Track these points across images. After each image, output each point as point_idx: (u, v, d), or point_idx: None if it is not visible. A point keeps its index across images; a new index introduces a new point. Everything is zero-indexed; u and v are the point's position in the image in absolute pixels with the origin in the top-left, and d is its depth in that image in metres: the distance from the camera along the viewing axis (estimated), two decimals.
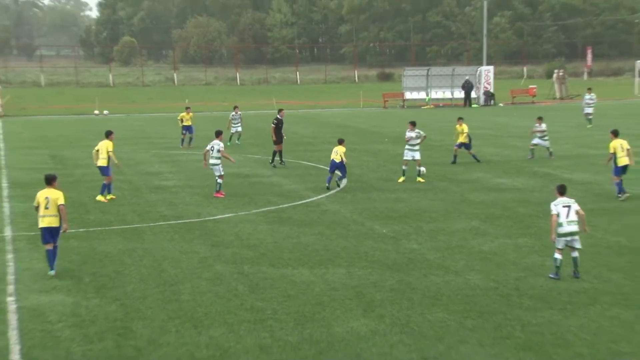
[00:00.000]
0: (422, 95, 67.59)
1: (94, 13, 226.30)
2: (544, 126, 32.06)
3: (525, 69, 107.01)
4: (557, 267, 15.44)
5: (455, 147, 31.33)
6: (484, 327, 12.79)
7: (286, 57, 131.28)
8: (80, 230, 20.03)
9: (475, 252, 17.48)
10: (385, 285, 15.15)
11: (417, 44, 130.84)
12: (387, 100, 66.40)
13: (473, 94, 65.27)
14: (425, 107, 64.88)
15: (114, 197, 24.42)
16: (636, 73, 76.27)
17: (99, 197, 24.23)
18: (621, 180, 23.52)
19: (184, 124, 38.39)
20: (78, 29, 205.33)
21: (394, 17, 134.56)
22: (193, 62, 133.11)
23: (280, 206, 23.18)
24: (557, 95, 70.76)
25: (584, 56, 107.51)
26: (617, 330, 12.60)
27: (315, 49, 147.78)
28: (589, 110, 46.01)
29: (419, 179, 27.19)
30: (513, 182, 26.78)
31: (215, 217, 21.68)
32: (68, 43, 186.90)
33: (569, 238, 15.43)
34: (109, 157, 24.08)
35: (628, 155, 23.40)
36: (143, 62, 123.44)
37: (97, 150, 24.25)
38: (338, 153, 25.86)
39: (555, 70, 79.28)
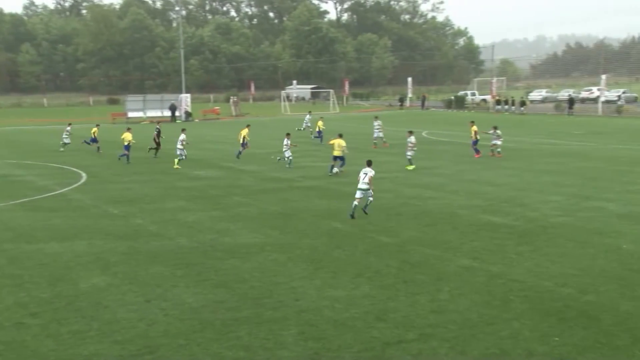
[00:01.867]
0: (140, 114, 65.54)
1: None
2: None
3: (211, 96, 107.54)
4: (353, 209, 17.06)
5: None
6: (190, 274, 12.63)
7: (35, 86, 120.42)
8: None
9: (183, 223, 17.22)
10: (118, 250, 14.40)
11: (137, 78, 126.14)
12: (115, 118, 63.33)
13: (177, 113, 64.38)
14: (144, 122, 62.71)
15: None
16: (282, 99, 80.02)
17: None
18: (332, 165, 25.42)
19: None
20: None
21: (118, 59, 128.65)
22: None
23: (34, 198, 21.17)
24: (234, 113, 71.96)
25: (249, 87, 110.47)
26: (276, 268, 13.02)
27: (58, 80, 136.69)
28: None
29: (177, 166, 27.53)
30: (206, 173, 26.77)
31: None
32: None
33: (364, 192, 17.04)
34: None
35: (340, 149, 25.09)
36: None
37: None
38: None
39: (231, 97, 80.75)
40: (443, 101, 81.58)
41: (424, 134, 43.45)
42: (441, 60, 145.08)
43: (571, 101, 61.74)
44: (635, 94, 77.18)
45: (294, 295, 11.29)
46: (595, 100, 70.55)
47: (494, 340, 9.20)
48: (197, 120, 64.54)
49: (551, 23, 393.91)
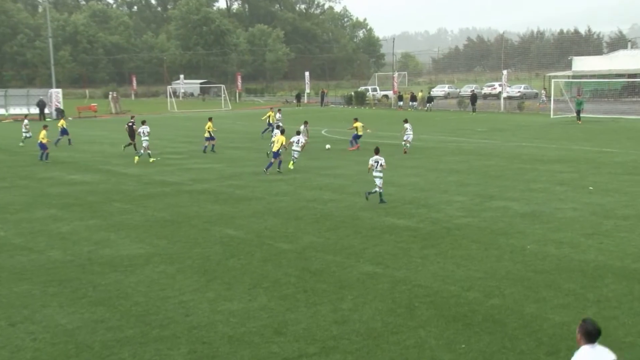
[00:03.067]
0: (2, 111, 62.05)
1: None
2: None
3: (87, 91, 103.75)
4: (380, 195, 19.77)
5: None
6: (63, 292, 12.09)
7: None
8: None
9: (55, 234, 16.47)
10: None
11: None
12: None
13: (47, 110, 61.47)
14: (6, 121, 59.47)
15: None
16: (168, 95, 78.44)
17: None
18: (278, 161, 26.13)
19: None
20: None
21: None
22: None
23: None
24: (113, 110, 69.72)
25: (130, 82, 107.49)
26: (163, 281, 12.74)
27: None
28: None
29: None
30: (83, 178, 25.77)
31: None
32: None
33: (381, 178, 19.53)
34: None
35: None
36: None
37: None
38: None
39: (110, 92, 78.19)
40: (343, 97, 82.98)
41: (323, 132, 44.00)
42: (340, 54, 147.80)
43: (474, 97, 64.56)
44: (536, 90, 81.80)
45: (184, 310, 11.08)
46: (497, 96, 74.26)
47: (399, 350, 9.43)
48: (70, 119, 61.99)
49: (452, 16, 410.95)
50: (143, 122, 31.40)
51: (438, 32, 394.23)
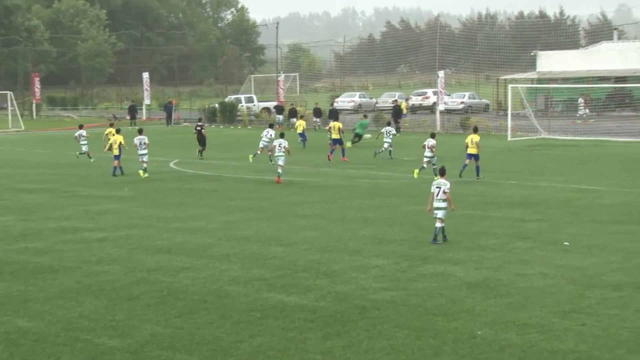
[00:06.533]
0: None
1: None
2: None
3: None
4: (436, 233, 22.79)
5: None
6: None
7: None
8: None
9: None
10: None
11: None
12: None
13: None
14: None
15: None
16: None
17: None
18: None
19: None
20: None
21: None
22: None
23: None
24: None
25: None
26: None
27: None
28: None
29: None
30: None
31: None
32: None
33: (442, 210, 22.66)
34: None
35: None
36: None
37: None
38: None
39: None
40: (203, 111, 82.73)
41: (171, 164, 43.71)
42: (197, 45, 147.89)
43: (397, 111, 65.86)
44: (486, 100, 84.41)
45: None
46: (431, 108, 76.23)
47: None
48: None
49: None
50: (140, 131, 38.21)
51: (343, 14, 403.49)
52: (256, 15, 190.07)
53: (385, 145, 45.66)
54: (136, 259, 21.46)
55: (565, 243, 22.72)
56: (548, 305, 16.81)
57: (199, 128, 46.37)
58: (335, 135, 45.00)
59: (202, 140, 45.78)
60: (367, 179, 37.47)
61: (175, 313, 16.52)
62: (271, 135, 42.59)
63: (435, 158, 36.91)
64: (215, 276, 19.49)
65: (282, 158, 35.94)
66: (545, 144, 53.50)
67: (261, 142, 43.08)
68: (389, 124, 49.70)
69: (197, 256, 21.71)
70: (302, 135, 52.49)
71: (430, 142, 37.05)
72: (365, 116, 55.60)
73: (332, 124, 46.53)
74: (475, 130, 37.02)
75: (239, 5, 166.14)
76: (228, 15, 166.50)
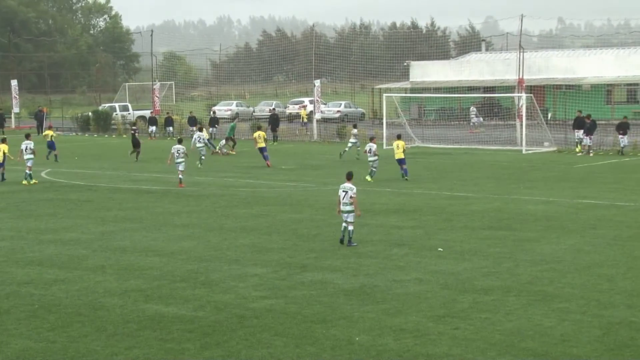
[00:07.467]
0: None
1: None
2: None
3: None
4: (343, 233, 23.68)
5: None
6: None
7: None
8: None
9: None
10: None
11: None
12: None
13: None
14: None
15: None
16: None
17: None
18: None
19: None
20: None
21: None
22: None
23: None
24: None
25: None
26: None
27: None
28: None
29: None
30: None
31: None
32: None
33: (349, 213, 23.25)
34: None
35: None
36: None
37: None
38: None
39: None
40: (76, 119, 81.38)
41: (43, 174, 42.80)
42: (68, 52, 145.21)
43: (275, 120, 66.18)
44: (361, 109, 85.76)
45: None
46: (308, 117, 76.85)
47: None
48: None
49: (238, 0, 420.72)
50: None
51: (219, 23, 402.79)
52: (130, 22, 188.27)
53: (350, 145, 50.13)
54: (5, 272, 20.96)
55: (440, 249, 23.22)
56: (423, 310, 17.14)
57: (132, 132, 52.02)
58: (261, 144, 46.30)
59: (136, 142, 49.45)
60: (246, 187, 37.47)
61: (48, 327, 16.19)
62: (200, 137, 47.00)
63: (377, 161, 38.84)
64: (89, 288, 19.20)
65: (183, 164, 37.37)
66: (419, 152, 54.41)
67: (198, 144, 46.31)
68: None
69: (70, 268, 21.35)
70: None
71: (373, 146, 38.72)
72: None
73: (256, 133, 47.71)
74: (399, 137, 40.33)
75: (113, 13, 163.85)
76: (101, 22, 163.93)
